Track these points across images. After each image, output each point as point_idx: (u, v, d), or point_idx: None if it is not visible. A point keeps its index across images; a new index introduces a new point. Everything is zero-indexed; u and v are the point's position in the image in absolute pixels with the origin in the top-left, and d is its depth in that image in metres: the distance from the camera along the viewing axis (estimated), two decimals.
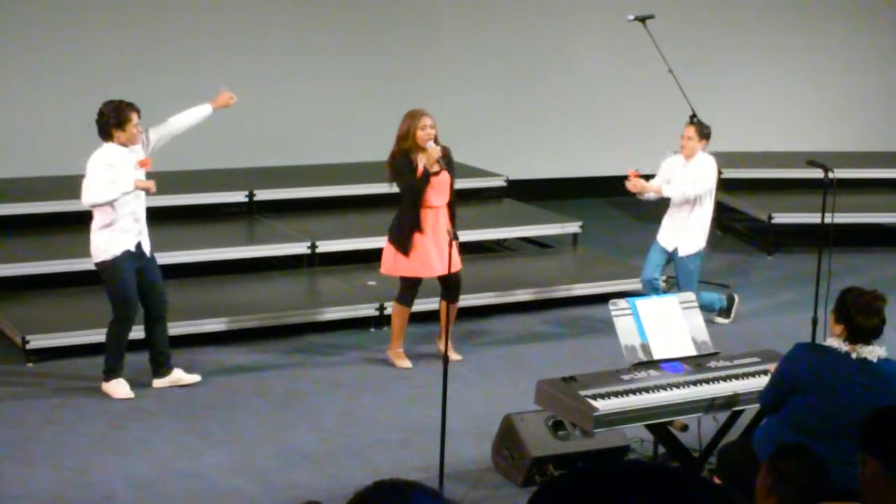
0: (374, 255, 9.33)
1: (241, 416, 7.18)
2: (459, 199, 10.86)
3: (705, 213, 8.59)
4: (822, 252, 8.03)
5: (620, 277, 9.61)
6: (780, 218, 11.02)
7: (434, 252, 7.73)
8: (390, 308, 8.28)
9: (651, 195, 8.52)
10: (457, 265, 7.54)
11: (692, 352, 6.10)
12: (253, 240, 9.87)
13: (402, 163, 7.68)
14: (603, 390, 5.67)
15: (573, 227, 10.56)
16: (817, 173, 8.54)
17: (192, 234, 9.59)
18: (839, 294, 5.26)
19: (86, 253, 8.70)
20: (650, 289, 8.55)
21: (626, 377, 5.82)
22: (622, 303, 6.10)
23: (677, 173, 8.52)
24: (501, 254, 10.65)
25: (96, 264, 7.30)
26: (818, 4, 13.36)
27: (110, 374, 7.38)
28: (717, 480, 5.54)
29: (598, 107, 12.51)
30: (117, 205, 7.14)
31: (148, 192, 7.18)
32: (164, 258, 8.38)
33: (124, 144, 7.14)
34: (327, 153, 11.42)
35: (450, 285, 7.87)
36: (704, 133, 8.53)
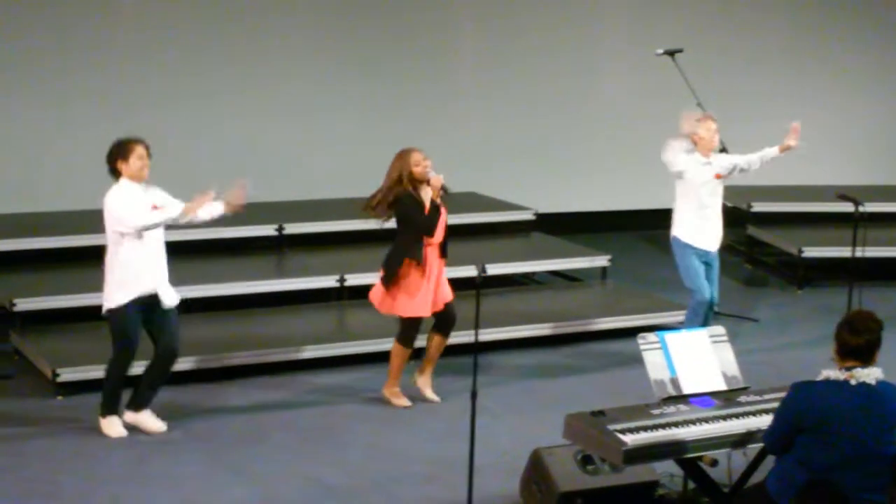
0: None
1: (267, 449, 7.18)
2: (488, 232, 10.97)
3: None
4: (852, 286, 7.99)
5: (650, 311, 9.57)
6: (811, 252, 10.96)
7: (429, 290, 7.74)
8: (418, 342, 8.27)
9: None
10: (449, 296, 7.68)
11: (722, 386, 6.05)
12: (282, 273, 9.89)
13: (408, 201, 7.66)
14: (632, 425, 5.64)
15: (602, 261, 10.54)
16: (847, 207, 8.53)
17: (221, 268, 9.62)
18: None
19: None
20: (708, 307, 8.53)
21: (655, 412, 5.79)
22: (651, 337, 6.07)
23: (718, 167, 8.56)
24: (530, 287, 10.63)
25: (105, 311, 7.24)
26: (846, 37, 13.33)
27: (106, 411, 7.33)
28: None
29: (628, 140, 12.50)
30: (129, 246, 7.10)
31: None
32: (193, 292, 8.43)
33: (133, 179, 7.15)
34: (356, 187, 11.41)
35: (445, 318, 7.87)
36: None
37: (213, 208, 7.30)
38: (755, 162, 8.76)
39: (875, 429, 5.04)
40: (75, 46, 10.75)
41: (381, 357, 8.61)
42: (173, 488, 6.62)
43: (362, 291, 9.58)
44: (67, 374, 7.92)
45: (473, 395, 6.19)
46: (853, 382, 5.08)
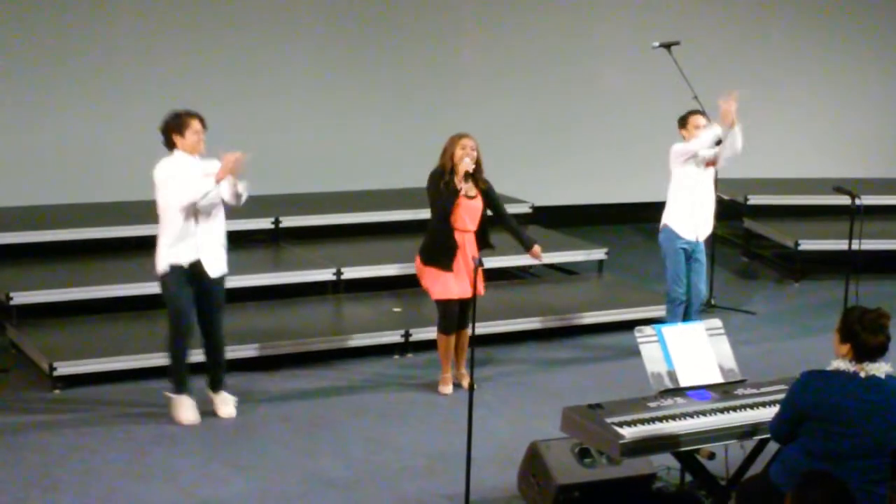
0: (399, 282, 9.35)
1: (266, 442, 7.19)
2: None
3: None
4: (849, 279, 8.00)
5: (646, 304, 9.57)
6: (808, 245, 10.96)
7: (464, 275, 7.77)
8: (416, 335, 8.27)
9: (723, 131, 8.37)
10: (480, 290, 7.61)
11: (719, 379, 6.06)
12: (278, 266, 9.89)
13: (431, 180, 7.75)
14: (629, 418, 5.64)
15: (599, 254, 10.55)
16: (844, 200, 8.52)
17: None
18: (843, 313, 5.23)
19: (115, 279, 8.78)
20: (680, 303, 8.52)
21: (652, 404, 5.79)
22: (648, 330, 6.07)
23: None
24: (527, 280, 10.64)
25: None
26: (844, 30, 13.33)
27: (177, 387, 7.37)
28: None
29: (624, 133, 12.51)
30: (174, 214, 7.10)
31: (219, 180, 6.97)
32: None
33: (189, 153, 7.14)
34: (353, 180, 11.46)
35: (464, 311, 7.90)
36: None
37: (231, 186, 7.14)
38: (734, 141, 8.62)
39: (882, 422, 5.06)
40: (74, 39, 10.73)
41: (379, 350, 8.63)
42: (172, 482, 6.62)
43: (359, 285, 9.62)
44: (64, 368, 7.91)
45: (471, 388, 6.21)
46: (863, 375, 5.10)
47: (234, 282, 9.23)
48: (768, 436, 5.77)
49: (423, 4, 12.01)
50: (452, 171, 7.75)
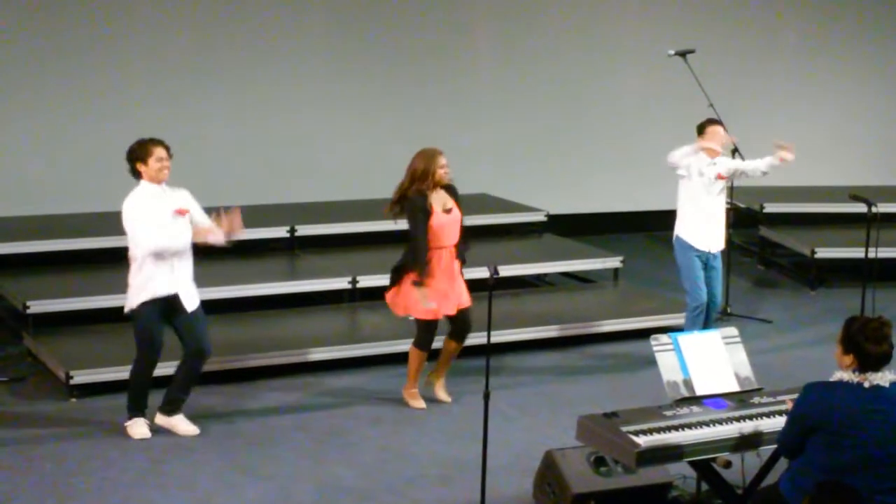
0: None
1: (281, 451, 7.20)
2: (500, 233, 10.97)
3: None
4: (865, 287, 7.98)
5: (662, 313, 9.56)
6: (824, 253, 10.93)
7: (440, 292, 7.72)
8: (437, 344, 8.26)
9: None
10: (465, 301, 7.64)
11: (735, 387, 6.05)
12: (294, 275, 9.91)
13: (417, 203, 7.61)
14: (645, 426, 5.64)
15: (614, 262, 10.54)
16: (860, 208, 8.51)
17: (233, 270, 9.63)
18: (844, 324, 5.20)
19: None
20: (706, 309, 8.50)
21: (668, 413, 5.79)
22: (664, 338, 6.07)
23: (721, 167, 8.57)
24: (542, 289, 10.63)
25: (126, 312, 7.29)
26: (857, 37, 13.31)
27: (131, 412, 7.35)
28: None
29: (639, 141, 12.50)
30: (147, 254, 7.13)
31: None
32: (205, 294, 8.41)
33: (153, 181, 7.15)
34: (368, 189, 11.46)
35: (461, 324, 7.86)
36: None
37: (216, 236, 7.29)
38: (760, 167, 8.72)
39: (888, 431, 5.04)
40: (86, 48, 10.79)
41: (394, 359, 8.62)
42: (188, 490, 6.63)
43: (375, 293, 9.61)
44: (81, 377, 7.94)
45: (486, 397, 6.20)
46: (866, 385, 5.08)
47: (249, 290, 9.31)
48: None
49: (437, 14, 12.02)
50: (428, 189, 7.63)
